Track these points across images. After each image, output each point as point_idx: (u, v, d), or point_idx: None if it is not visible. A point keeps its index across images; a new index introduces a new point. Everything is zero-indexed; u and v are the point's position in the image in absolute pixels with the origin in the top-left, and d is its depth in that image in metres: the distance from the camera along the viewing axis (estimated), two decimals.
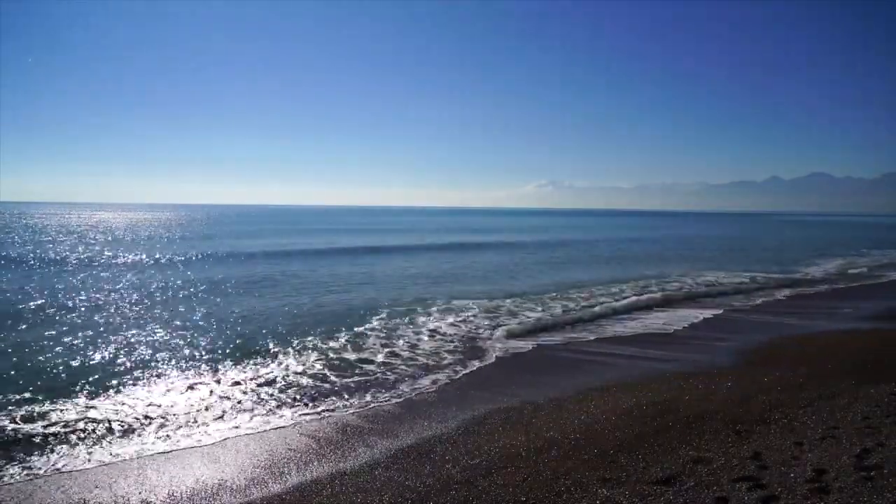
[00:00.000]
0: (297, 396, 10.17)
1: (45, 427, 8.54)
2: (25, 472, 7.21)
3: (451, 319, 16.81)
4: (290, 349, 13.25)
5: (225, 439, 8.31)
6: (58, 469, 7.33)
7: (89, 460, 7.58)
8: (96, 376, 11.04)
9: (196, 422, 8.94)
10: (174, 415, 9.18)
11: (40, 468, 7.33)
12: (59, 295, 20.61)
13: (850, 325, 16.33)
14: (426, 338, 14.63)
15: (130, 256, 35.86)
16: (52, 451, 7.83)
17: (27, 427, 8.52)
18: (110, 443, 8.13)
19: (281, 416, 9.22)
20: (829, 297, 22.03)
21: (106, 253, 38.17)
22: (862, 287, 25.33)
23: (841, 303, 20.50)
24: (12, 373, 11.18)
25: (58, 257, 34.36)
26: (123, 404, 9.54)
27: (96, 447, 7.98)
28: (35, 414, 9.00)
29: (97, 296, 20.59)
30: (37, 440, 8.14)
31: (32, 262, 31.20)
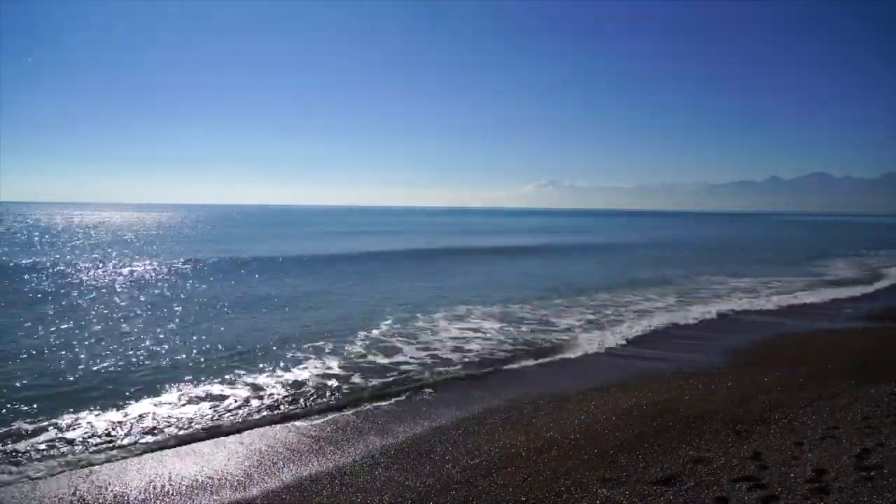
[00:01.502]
0: (307, 398, 10.18)
1: (56, 430, 8.53)
2: (33, 472, 7.22)
3: (459, 326, 16.60)
4: (310, 354, 13.19)
5: (225, 440, 8.32)
6: (64, 468, 7.34)
7: (96, 460, 7.59)
8: (111, 381, 10.86)
9: (197, 423, 8.94)
10: (176, 417, 9.19)
11: (49, 467, 7.34)
12: (76, 301, 20.60)
13: (850, 325, 16.35)
14: (449, 344, 14.47)
15: (142, 261, 35.74)
16: (61, 451, 7.83)
17: (38, 432, 8.46)
18: (115, 444, 8.13)
19: (286, 418, 9.23)
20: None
21: (116, 258, 38.08)
22: (861, 287, 25.34)
23: (841, 303, 20.50)
24: (27, 379, 11.04)
25: (69, 262, 34.32)
26: (128, 414, 9.41)
27: (103, 447, 7.98)
28: (45, 418, 8.95)
29: (111, 302, 20.51)
30: (48, 442, 8.13)
31: (43, 268, 31.18)
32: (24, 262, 31.33)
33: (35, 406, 9.42)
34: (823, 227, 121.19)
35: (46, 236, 55.81)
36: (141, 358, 12.46)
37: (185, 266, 30.99)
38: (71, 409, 9.27)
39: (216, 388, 10.48)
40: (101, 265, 30.74)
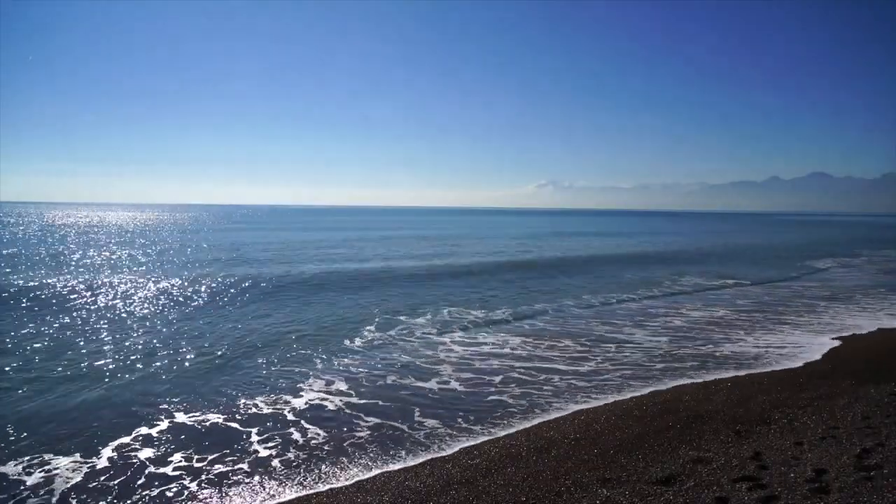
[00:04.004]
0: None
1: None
2: None
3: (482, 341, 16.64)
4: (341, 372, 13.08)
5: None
6: None
7: None
8: (128, 415, 9.08)
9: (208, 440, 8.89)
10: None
11: None
12: (103, 318, 19.98)
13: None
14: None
15: (155, 274, 35.30)
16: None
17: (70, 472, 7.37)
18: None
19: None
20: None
21: (136, 270, 37.57)
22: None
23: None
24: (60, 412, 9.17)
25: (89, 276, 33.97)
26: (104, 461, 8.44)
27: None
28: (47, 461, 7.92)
29: (126, 318, 17.85)
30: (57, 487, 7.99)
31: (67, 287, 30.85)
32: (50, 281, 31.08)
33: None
34: (834, 226, 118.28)
35: (57, 240, 55.45)
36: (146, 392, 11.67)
37: (238, 287, 30.26)
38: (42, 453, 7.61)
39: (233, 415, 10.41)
40: (124, 282, 30.50)
